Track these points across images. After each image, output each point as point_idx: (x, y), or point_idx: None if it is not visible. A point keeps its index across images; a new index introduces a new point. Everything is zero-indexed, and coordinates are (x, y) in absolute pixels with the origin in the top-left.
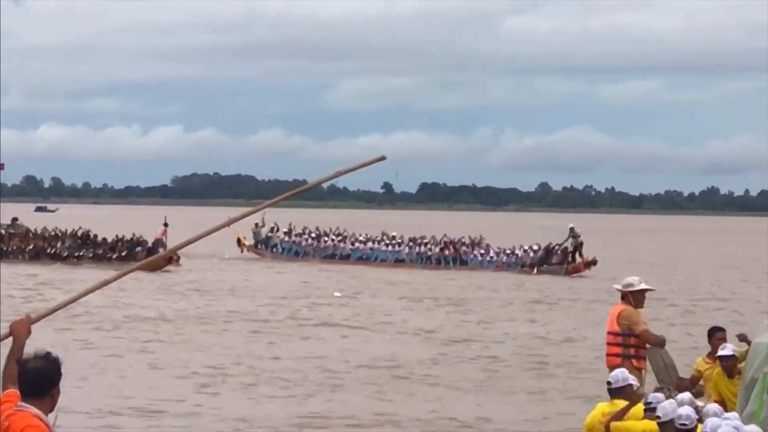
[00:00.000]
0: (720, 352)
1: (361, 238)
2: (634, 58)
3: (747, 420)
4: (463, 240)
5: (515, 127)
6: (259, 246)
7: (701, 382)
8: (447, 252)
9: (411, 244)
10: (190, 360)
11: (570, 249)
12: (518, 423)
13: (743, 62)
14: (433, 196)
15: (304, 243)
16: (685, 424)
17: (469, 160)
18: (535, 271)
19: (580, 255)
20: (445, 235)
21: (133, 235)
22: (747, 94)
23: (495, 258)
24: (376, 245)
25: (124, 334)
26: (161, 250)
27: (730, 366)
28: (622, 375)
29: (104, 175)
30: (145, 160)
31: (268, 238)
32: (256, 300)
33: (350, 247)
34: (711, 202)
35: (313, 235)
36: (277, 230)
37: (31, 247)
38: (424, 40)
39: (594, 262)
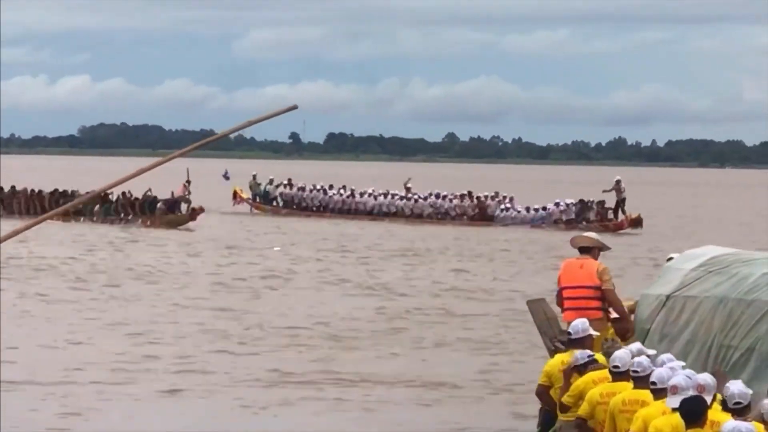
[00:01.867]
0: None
1: (371, 191)
2: (542, 9)
3: None
4: (489, 195)
5: (422, 77)
6: (258, 199)
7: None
8: (470, 205)
9: (432, 197)
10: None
11: (611, 205)
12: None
13: (653, 13)
14: (340, 146)
15: (308, 195)
16: (637, 372)
17: (376, 110)
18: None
19: (623, 212)
20: (470, 192)
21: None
22: (656, 45)
23: (524, 213)
24: (389, 199)
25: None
26: (183, 206)
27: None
28: (582, 325)
29: (11, 125)
30: (52, 110)
31: (267, 191)
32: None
33: (360, 200)
34: (618, 153)
35: (318, 187)
36: (272, 182)
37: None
38: None
39: (640, 221)
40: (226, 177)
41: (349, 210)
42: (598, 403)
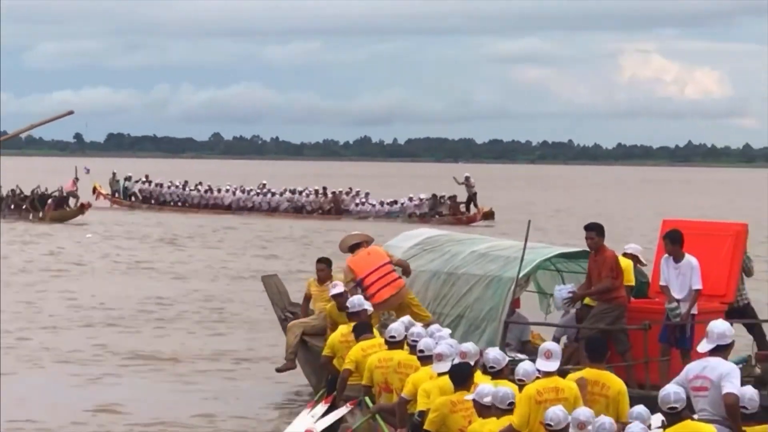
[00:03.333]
0: (332, 291)
1: (229, 187)
2: (297, 23)
3: None
4: (343, 190)
5: (191, 83)
6: (117, 195)
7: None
8: (324, 200)
9: (288, 193)
10: None
11: (463, 199)
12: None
13: (395, 25)
14: (119, 145)
15: (166, 191)
16: (416, 340)
17: (150, 112)
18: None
19: (475, 205)
20: (324, 188)
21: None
22: (398, 54)
23: (378, 207)
24: (246, 195)
25: None
26: (72, 201)
27: (343, 302)
28: (358, 300)
29: None
30: None
31: (125, 187)
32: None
33: (218, 195)
34: (364, 150)
35: (177, 183)
36: (130, 179)
37: None
38: (111, 7)
39: (491, 214)
40: (86, 171)
41: (207, 205)
42: (376, 368)
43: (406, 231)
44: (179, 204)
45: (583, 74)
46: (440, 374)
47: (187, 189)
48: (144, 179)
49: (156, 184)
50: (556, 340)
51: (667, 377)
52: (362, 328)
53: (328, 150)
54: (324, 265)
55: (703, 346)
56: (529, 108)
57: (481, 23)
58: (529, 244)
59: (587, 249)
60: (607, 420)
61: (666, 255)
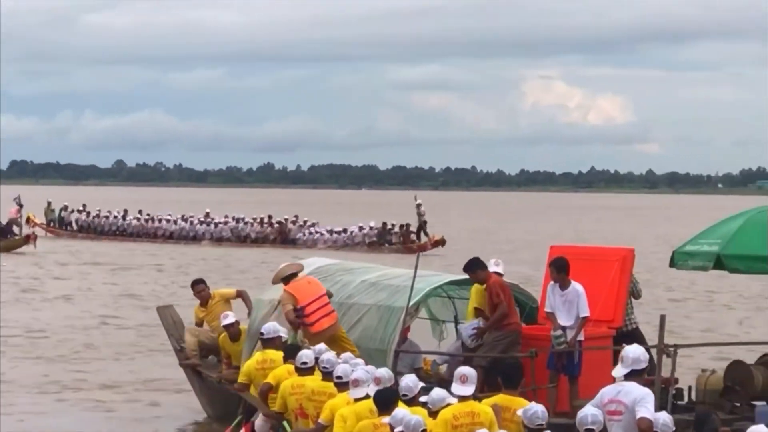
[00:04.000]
0: (224, 321)
1: (169, 217)
2: (201, 50)
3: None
4: (289, 219)
5: (94, 110)
6: (52, 224)
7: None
8: (270, 230)
9: (232, 222)
10: None
11: (413, 227)
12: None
13: (295, 53)
14: (21, 171)
15: (106, 222)
16: (326, 368)
17: (53, 139)
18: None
19: (425, 233)
20: (270, 216)
21: None
22: (302, 81)
23: (327, 237)
24: (190, 225)
25: None
26: (16, 229)
27: (234, 332)
28: (273, 327)
29: None
30: None
31: (61, 217)
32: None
33: (159, 225)
34: (267, 177)
35: (116, 213)
36: (67, 209)
37: None
38: (13, 34)
39: (443, 242)
40: (19, 204)
41: (148, 234)
42: (290, 394)
43: (285, 266)
44: (119, 233)
45: (486, 100)
46: (356, 400)
47: (127, 218)
48: (81, 209)
49: (95, 215)
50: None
51: (555, 404)
52: (293, 350)
53: (231, 177)
54: (202, 285)
55: (618, 371)
56: (432, 134)
57: (384, 50)
58: (419, 273)
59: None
60: (539, 408)
61: (552, 282)
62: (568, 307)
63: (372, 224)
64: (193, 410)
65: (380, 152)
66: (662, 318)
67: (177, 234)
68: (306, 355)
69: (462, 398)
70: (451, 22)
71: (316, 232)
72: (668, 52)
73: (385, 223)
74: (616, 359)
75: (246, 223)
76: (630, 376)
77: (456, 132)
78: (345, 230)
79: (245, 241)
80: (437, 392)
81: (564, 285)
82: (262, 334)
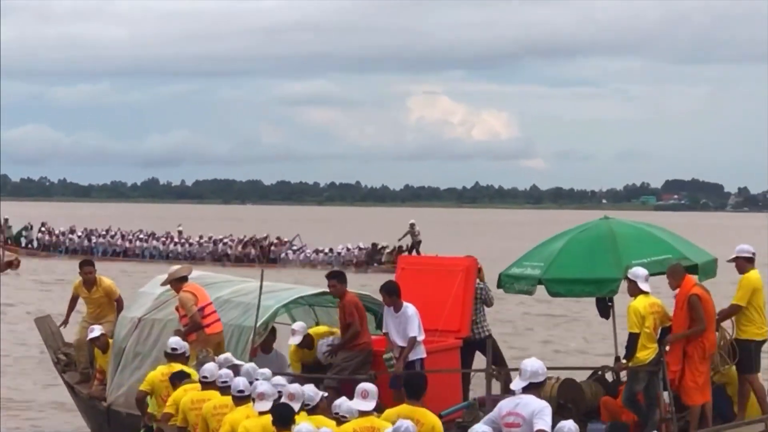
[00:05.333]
0: (90, 335)
1: (140, 235)
2: (85, 64)
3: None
4: (270, 239)
5: None
6: (9, 242)
7: None
8: (252, 250)
9: (206, 241)
10: None
11: (405, 247)
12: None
13: (179, 68)
14: None
15: (71, 240)
16: (225, 382)
17: None
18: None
19: (418, 253)
20: (253, 236)
21: None
22: (183, 95)
23: (312, 256)
24: (163, 245)
25: None
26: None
27: (101, 345)
28: (181, 341)
29: None
30: None
31: (21, 235)
32: None
33: (130, 245)
34: (152, 191)
35: (79, 233)
36: (31, 228)
37: None
38: None
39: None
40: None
41: (117, 253)
42: (190, 409)
43: (182, 267)
44: (86, 252)
45: (371, 116)
46: (261, 413)
47: (93, 238)
48: (42, 228)
49: (58, 233)
50: None
51: None
52: (180, 376)
53: (115, 191)
54: (90, 268)
55: (517, 384)
56: (316, 149)
57: (268, 65)
58: (273, 287)
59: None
60: (407, 423)
61: (386, 306)
62: (402, 328)
63: (361, 245)
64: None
65: (264, 167)
66: (489, 341)
67: (148, 253)
68: (208, 369)
69: (363, 413)
70: (334, 37)
71: (301, 252)
72: (551, 68)
73: (375, 244)
74: (468, 363)
75: (225, 243)
76: (528, 389)
77: (340, 147)
78: (331, 250)
79: (221, 261)
80: (346, 404)
81: (397, 307)
82: (175, 349)
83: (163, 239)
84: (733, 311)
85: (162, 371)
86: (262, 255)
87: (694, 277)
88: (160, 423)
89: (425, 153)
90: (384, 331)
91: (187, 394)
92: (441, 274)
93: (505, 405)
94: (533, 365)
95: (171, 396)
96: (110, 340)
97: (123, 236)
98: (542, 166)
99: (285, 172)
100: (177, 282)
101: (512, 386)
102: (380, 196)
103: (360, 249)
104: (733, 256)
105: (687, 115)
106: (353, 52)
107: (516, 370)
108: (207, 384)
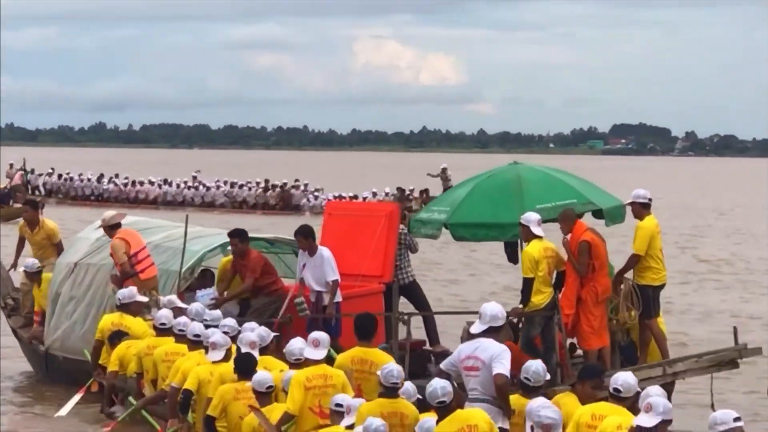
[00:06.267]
0: (24, 268)
1: (151, 180)
2: (31, 9)
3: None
4: (290, 183)
5: None
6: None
7: None
8: (270, 195)
9: (223, 186)
10: None
11: (433, 192)
12: None
13: (125, 13)
14: None
15: (78, 185)
16: (182, 330)
17: None
18: None
19: None
20: (267, 180)
21: None
22: (130, 40)
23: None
24: (176, 188)
25: None
26: (18, 195)
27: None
28: (129, 292)
29: None
30: None
31: (27, 181)
32: None
33: (141, 189)
34: (99, 136)
35: (89, 175)
36: (32, 171)
37: None
38: None
39: None
40: (24, 169)
41: (128, 199)
42: (145, 354)
43: (117, 215)
44: (94, 198)
45: (318, 60)
46: (215, 362)
47: (103, 182)
48: (50, 171)
49: (65, 177)
50: None
51: None
52: (118, 335)
53: (63, 136)
54: (30, 207)
55: (476, 327)
56: (263, 94)
57: (215, 9)
58: (200, 232)
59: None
60: (395, 367)
61: (301, 250)
62: (319, 272)
63: (387, 190)
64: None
65: (212, 112)
66: (395, 287)
67: (161, 198)
68: (164, 316)
69: (315, 361)
70: None
71: (322, 198)
72: (498, 12)
73: (402, 189)
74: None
75: (242, 188)
76: (487, 332)
77: (287, 92)
78: (356, 196)
79: (241, 207)
80: (294, 343)
81: (312, 251)
82: (119, 299)
83: (178, 184)
84: (634, 261)
85: (112, 320)
86: (283, 201)
87: (586, 223)
88: (109, 379)
89: (372, 97)
90: (298, 276)
91: (143, 341)
92: (365, 220)
93: (464, 348)
94: (492, 309)
95: (114, 353)
96: (46, 276)
97: (133, 182)
98: (490, 111)
99: (232, 116)
100: (110, 229)
101: (472, 330)
102: (327, 141)
103: (387, 195)
104: (629, 200)
105: (635, 59)
106: None
107: (428, 314)
108: (163, 331)
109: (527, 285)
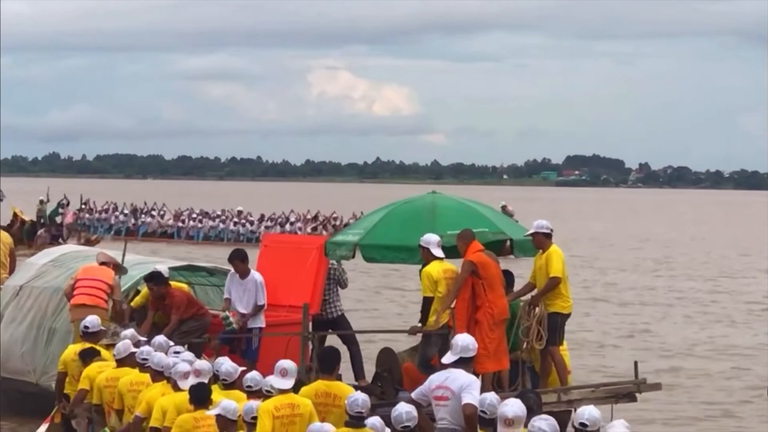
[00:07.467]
0: None
1: (193, 215)
2: None
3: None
4: (335, 215)
5: None
6: (43, 222)
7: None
8: (317, 228)
9: (268, 221)
10: None
11: None
12: None
13: (79, 42)
14: None
15: (115, 220)
16: (146, 359)
17: None
18: None
19: None
20: (308, 212)
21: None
22: (84, 70)
23: None
24: (218, 223)
25: None
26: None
27: None
28: (96, 321)
29: None
30: None
31: (58, 213)
32: None
33: (182, 225)
34: (53, 166)
35: (126, 211)
36: (68, 205)
37: None
38: None
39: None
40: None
41: (169, 234)
42: (105, 387)
43: (100, 254)
44: (127, 234)
45: (272, 91)
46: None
47: (140, 216)
48: (83, 205)
49: (100, 210)
50: None
51: None
52: (90, 353)
53: (16, 166)
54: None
55: (448, 358)
56: (217, 124)
57: (169, 40)
58: (137, 259)
59: (190, 264)
60: (360, 396)
61: (233, 272)
62: (248, 296)
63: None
64: None
65: (166, 142)
66: (304, 307)
67: (202, 234)
68: (119, 347)
69: (281, 391)
70: (235, 11)
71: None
72: (452, 44)
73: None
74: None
75: (292, 224)
76: (458, 363)
77: (241, 122)
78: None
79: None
80: (252, 375)
81: (244, 274)
82: (86, 327)
83: (221, 219)
84: (555, 284)
85: (75, 350)
86: (334, 232)
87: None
88: (75, 403)
89: (326, 128)
90: (226, 296)
91: (103, 372)
92: (297, 253)
93: (435, 378)
94: (464, 341)
95: (84, 372)
96: None
97: (175, 215)
98: (443, 142)
99: (186, 147)
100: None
101: (443, 360)
102: (281, 171)
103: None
104: (532, 230)
105: (589, 90)
106: (254, 27)
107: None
108: (120, 361)
109: (426, 304)
